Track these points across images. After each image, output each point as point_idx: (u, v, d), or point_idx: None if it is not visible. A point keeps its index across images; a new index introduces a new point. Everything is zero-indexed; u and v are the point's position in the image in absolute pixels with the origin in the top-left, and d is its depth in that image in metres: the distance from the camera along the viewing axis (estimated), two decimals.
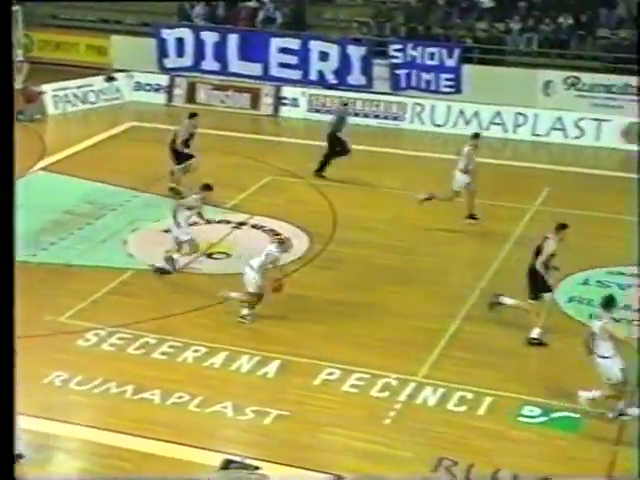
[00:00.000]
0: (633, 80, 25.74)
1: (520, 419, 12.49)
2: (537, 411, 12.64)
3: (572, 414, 12.57)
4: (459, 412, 12.62)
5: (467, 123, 26.24)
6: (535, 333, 14.43)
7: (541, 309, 14.48)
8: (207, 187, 16.88)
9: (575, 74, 26.38)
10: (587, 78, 26.25)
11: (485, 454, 11.65)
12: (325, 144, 21.83)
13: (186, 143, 20.19)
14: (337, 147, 21.76)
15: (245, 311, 14.86)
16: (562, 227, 14.49)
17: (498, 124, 25.98)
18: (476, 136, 19.56)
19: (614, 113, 25.62)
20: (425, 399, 12.89)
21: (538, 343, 14.42)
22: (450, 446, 11.78)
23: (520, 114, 25.87)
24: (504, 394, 13.01)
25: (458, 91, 27.07)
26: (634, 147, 24.70)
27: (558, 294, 16.27)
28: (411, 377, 13.39)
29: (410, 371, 13.54)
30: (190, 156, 20.21)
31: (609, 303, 12.42)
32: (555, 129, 25.56)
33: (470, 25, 28.95)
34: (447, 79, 27.19)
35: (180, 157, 20.21)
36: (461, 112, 26.37)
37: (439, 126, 26.52)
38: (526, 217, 19.53)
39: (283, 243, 14.96)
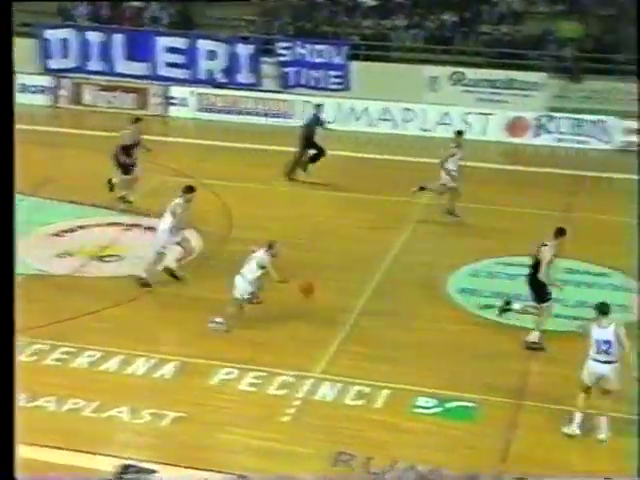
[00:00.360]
0: (515, 75, 26.40)
1: (415, 410, 12.63)
2: (432, 402, 12.80)
3: (466, 403, 12.79)
4: (357, 406, 12.71)
5: (357, 119, 26.49)
6: (534, 337, 14.23)
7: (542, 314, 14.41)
8: (189, 189, 16.03)
9: (460, 69, 26.89)
10: (471, 73, 26.78)
11: (383, 446, 11.76)
12: (312, 151, 21.84)
13: (129, 151, 19.47)
14: (303, 150, 21.56)
15: (219, 319, 14.60)
16: (560, 233, 14.09)
17: (387, 120, 26.29)
18: (459, 134, 19.59)
19: (499, 107, 26.22)
20: (323, 395, 12.94)
21: (539, 348, 14.17)
22: (349, 440, 11.86)
23: (408, 109, 26.23)
24: (400, 386, 13.14)
25: (346, 88, 27.32)
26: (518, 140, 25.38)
27: (450, 286, 16.59)
28: (309, 373, 13.44)
29: (307, 367, 13.59)
30: (132, 165, 19.49)
31: (607, 309, 11.94)
32: (442, 124, 25.98)
33: (356, 23, 29.25)
34: (335, 76, 27.42)
35: (127, 166, 19.46)
36: (351, 109, 26.59)
37: (329, 123, 26.66)
38: (418, 211, 19.78)
39: (271, 247, 14.69)
